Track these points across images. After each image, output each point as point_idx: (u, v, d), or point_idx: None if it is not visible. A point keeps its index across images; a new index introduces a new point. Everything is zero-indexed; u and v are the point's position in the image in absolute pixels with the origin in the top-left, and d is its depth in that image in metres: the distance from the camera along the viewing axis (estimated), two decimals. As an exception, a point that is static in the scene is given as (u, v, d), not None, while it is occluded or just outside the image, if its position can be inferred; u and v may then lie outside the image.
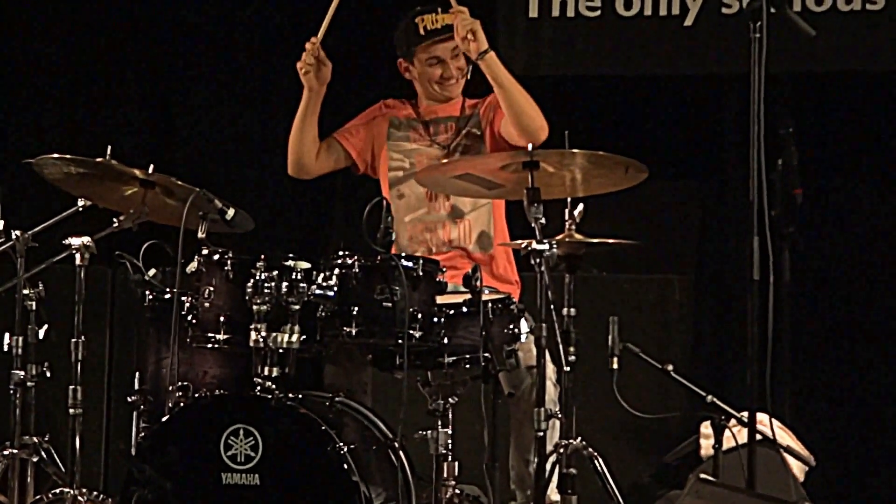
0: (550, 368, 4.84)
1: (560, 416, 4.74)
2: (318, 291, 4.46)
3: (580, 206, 4.84)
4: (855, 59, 6.49)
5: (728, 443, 5.02)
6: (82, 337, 4.80)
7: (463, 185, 4.78)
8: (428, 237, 5.24)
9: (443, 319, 4.54)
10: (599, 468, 4.84)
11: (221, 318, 4.56)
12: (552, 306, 4.45)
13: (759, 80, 4.37)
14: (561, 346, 4.50)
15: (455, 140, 5.29)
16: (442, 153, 5.28)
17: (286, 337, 4.45)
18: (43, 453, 4.94)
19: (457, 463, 4.57)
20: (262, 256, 4.49)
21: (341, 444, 4.28)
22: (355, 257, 4.49)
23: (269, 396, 4.40)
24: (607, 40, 6.76)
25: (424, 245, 5.22)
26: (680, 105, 6.76)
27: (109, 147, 4.78)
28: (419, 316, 4.47)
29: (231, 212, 4.75)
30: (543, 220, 4.50)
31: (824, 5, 6.50)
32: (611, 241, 4.86)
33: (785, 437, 5.35)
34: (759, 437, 4.46)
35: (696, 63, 6.70)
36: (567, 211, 4.83)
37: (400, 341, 4.43)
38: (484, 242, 5.23)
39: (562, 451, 4.70)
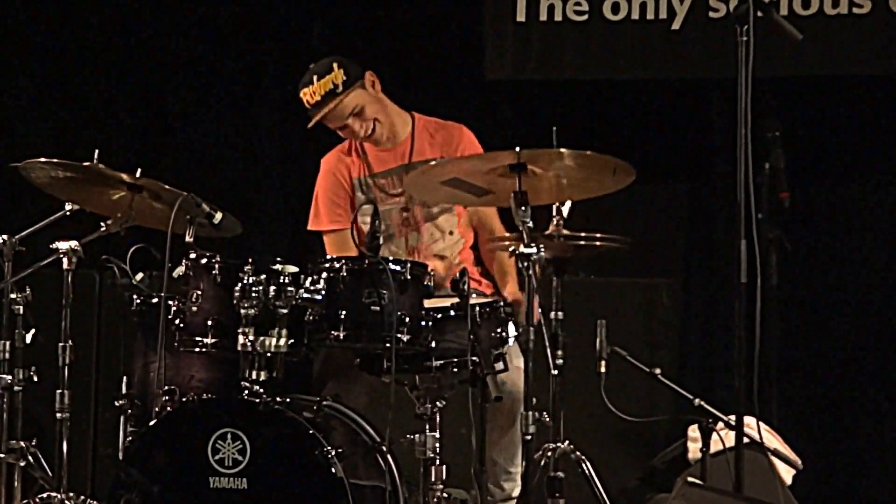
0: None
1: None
2: (305, 295, 4.46)
3: (568, 203, 4.84)
4: (842, 63, 6.51)
5: (715, 446, 5.02)
6: (69, 341, 4.79)
7: (451, 191, 4.77)
8: None
9: (430, 323, 4.54)
10: (587, 472, 4.84)
11: (209, 322, 4.56)
12: (540, 310, 4.45)
13: (745, 84, 4.38)
14: (549, 350, 4.49)
15: (412, 199, 5.28)
16: (408, 217, 5.30)
17: (274, 341, 4.45)
18: (30, 457, 4.93)
19: (444, 467, 4.57)
20: (250, 260, 4.48)
21: (329, 447, 4.28)
22: (343, 261, 4.49)
23: (257, 400, 4.39)
24: (595, 44, 6.77)
25: None
26: (667, 109, 6.77)
27: (97, 151, 4.78)
28: (407, 320, 4.47)
29: (219, 216, 4.75)
30: (531, 224, 4.49)
31: (811, 9, 6.51)
32: (598, 238, 4.86)
33: (772, 440, 5.35)
34: (746, 440, 4.47)
35: (683, 67, 6.71)
36: (555, 207, 4.83)
37: (388, 345, 4.43)
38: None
39: (549, 454, 4.70)
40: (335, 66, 5.23)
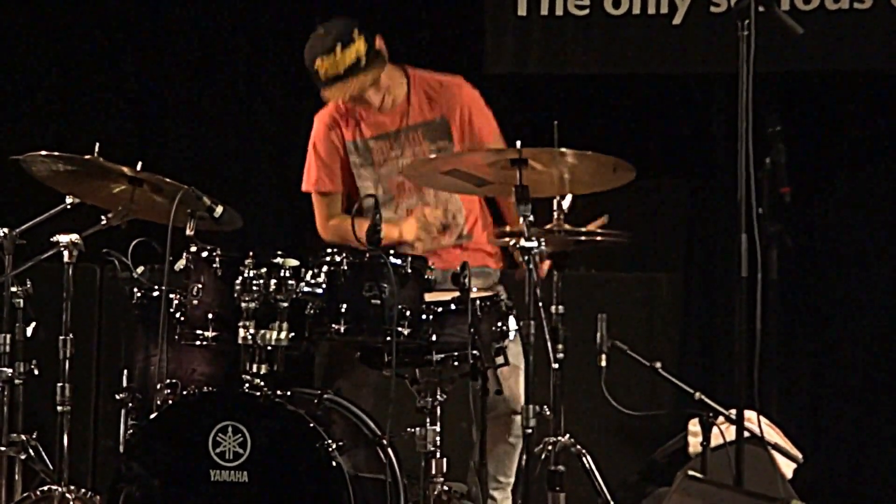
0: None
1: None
2: (306, 289, 4.46)
3: (569, 197, 4.84)
4: (843, 58, 6.50)
5: (716, 440, 5.03)
6: (70, 334, 4.79)
7: (451, 180, 4.76)
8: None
9: (431, 317, 4.54)
10: (588, 465, 4.85)
11: (210, 316, 4.56)
12: (540, 304, 4.45)
13: (747, 79, 4.37)
14: (549, 344, 4.50)
15: (410, 155, 5.15)
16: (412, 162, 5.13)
17: (274, 334, 4.45)
18: (31, 451, 4.93)
19: (445, 460, 4.57)
20: (251, 254, 4.49)
21: (329, 441, 4.28)
22: (344, 255, 4.49)
23: (258, 394, 4.40)
24: (596, 39, 6.76)
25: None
26: (668, 103, 6.76)
27: (97, 144, 4.78)
28: (407, 313, 4.47)
29: (219, 209, 4.74)
30: (532, 218, 4.49)
31: (812, 4, 6.50)
32: (598, 234, 4.86)
33: (773, 434, 5.36)
34: (746, 434, 4.47)
35: (684, 62, 6.70)
36: (556, 202, 4.83)
37: (388, 339, 4.43)
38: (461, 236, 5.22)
39: (550, 448, 4.70)
40: (356, 33, 4.91)
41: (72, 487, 4.75)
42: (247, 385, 4.43)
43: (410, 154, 5.20)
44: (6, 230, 4.87)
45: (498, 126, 5.29)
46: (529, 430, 4.31)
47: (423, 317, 4.52)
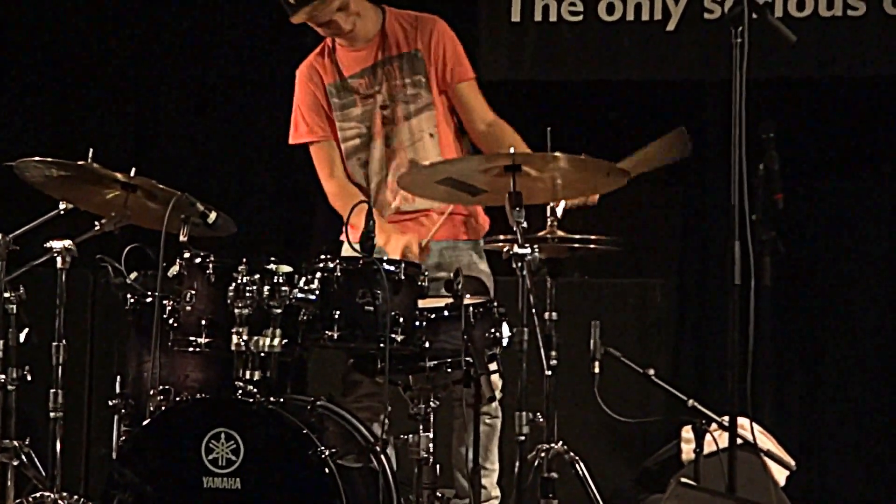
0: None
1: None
2: (299, 295, 4.46)
3: (562, 202, 4.84)
4: (836, 65, 6.51)
5: (709, 447, 5.03)
6: (63, 340, 4.78)
7: (445, 189, 4.76)
8: (392, 197, 5.21)
9: (424, 323, 4.54)
10: (581, 472, 4.85)
11: (203, 322, 4.55)
12: (534, 311, 4.44)
13: (740, 85, 4.38)
14: (542, 351, 4.49)
15: (389, 96, 5.16)
16: (387, 115, 5.17)
17: (268, 341, 4.45)
18: (24, 457, 4.93)
19: (438, 466, 4.57)
20: (244, 260, 4.48)
21: (322, 448, 4.28)
22: (337, 261, 4.49)
23: (251, 400, 4.39)
24: (590, 45, 6.78)
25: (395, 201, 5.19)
26: (662, 109, 6.77)
27: (91, 150, 4.78)
28: (401, 320, 4.47)
29: (213, 215, 4.74)
30: (525, 224, 4.48)
31: (805, 11, 6.52)
32: (592, 240, 4.87)
33: (766, 441, 5.36)
34: (739, 441, 4.47)
35: (678, 68, 6.72)
36: (549, 208, 4.83)
37: (381, 345, 4.43)
38: None
39: (543, 455, 4.70)
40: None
41: (64, 494, 4.75)
42: (240, 392, 4.42)
43: (387, 89, 5.19)
44: (-1, 235, 4.87)
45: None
46: (522, 438, 4.30)
47: (417, 323, 4.52)
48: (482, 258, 5.21)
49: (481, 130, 5.21)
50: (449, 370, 4.58)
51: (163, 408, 4.55)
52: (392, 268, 4.49)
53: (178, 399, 4.62)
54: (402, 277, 4.50)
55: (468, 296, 4.61)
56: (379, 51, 5.21)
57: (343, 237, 4.93)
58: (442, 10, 5.31)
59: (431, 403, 4.55)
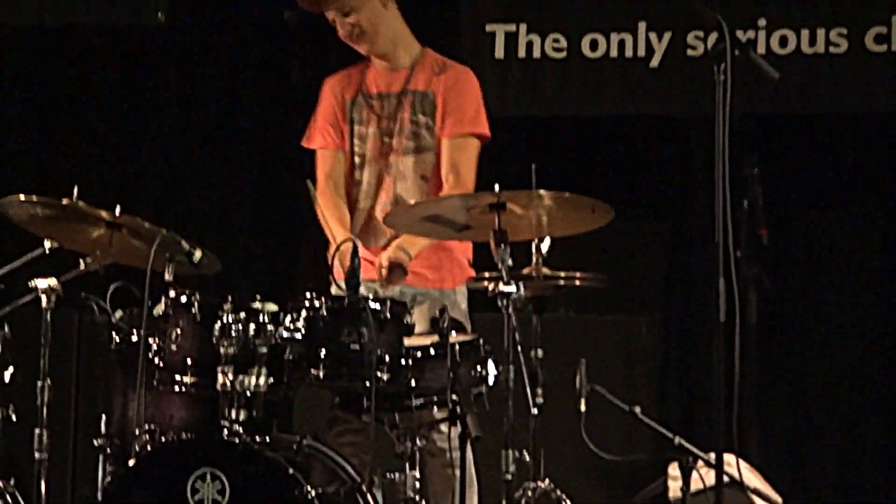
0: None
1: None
2: (285, 334, 4.45)
3: (547, 240, 4.84)
4: (819, 102, 6.55)
5: (696, 484, 5.01)
6: (48, 380, 4.76)
7: (430, 226, 4.77)
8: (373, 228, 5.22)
9: (410, 362, 4.53)
10: (567, 510, 4.83)
11: (188, 361, 4.54)
12: (519, 348, 4.44)
13: (724, 122, 4.38)
14: (528, 389, 4.49)
15: (395, 126, 5.23)
16: (388, 143, 5.23)
17: (253, 380, 4.43)
18: (8, 497, 4.90)
19: (425, 504, 4.55)
20: (229, 298, 4.48)
21: (308, 488, 4.26)
22: (322, 299, 4.48)
23: (237, 440, 4.38)
24: (574, 81, 6.80)
25: (372, 236, 5.20)
26: (646, 145, 6.79)
27: (76, 188, 4.77)
28: (386, 358, 4.46)
29: (198, 254, 4.73)
30: (511, 262, 4.49)
31: (788, 48, 6.55)
32: (577, 277, 4.87)
33: (752, 478, 5.35)
34: (726, 478, 4.46)
35: (661, 104, 6.74)
36: (534, 245, 4.83)
37: (367, 384, 4.42)
38: None
39: (530, 493, 4.69)
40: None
41: (49, 535, 4.72)
42: (225, 431, 4.41)
43: (398, 119, 5.24)
44: (-17, 275, 4.85)
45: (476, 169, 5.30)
46: (509, 477, 4.30)
47: (402, 362, 4.51)
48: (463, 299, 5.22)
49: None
50: (435, 409, 4.57)
51: (148, 448, 4.53)
52: (377, 306, 4.49)
53: (163, 439, 4.60)
54: (388, 316, 4.49)
55: (454, 333, 4.61)
56: (405, 82, 5.27)
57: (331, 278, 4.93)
58: (424, 45, 5.34)
59: (418, 442, 4.54)
